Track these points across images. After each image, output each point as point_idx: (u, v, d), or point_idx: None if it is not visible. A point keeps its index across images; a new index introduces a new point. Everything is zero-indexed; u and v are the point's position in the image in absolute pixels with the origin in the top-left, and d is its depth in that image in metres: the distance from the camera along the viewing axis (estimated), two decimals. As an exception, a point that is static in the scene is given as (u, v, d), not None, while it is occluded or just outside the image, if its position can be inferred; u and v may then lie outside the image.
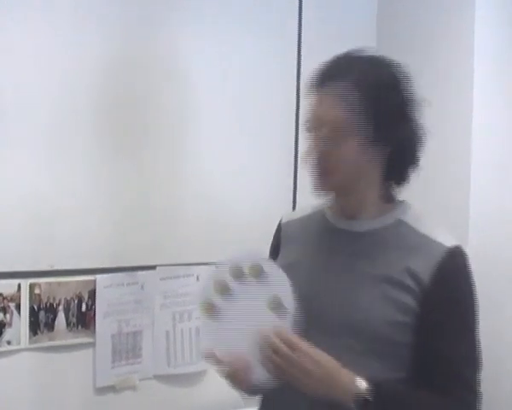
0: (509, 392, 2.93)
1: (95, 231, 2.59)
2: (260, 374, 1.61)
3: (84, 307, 2.58)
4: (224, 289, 1.68)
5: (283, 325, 1.61)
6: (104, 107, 2.60)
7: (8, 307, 2.44)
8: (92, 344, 2.61)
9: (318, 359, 1.55)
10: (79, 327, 2.58)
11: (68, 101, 2.51)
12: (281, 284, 1.65)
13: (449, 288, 1.62)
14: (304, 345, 1.56)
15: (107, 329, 2.63)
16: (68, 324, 2.56)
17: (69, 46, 2.50)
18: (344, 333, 1.61)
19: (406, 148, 1.67)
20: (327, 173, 1.64)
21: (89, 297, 2.59)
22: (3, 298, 2.43)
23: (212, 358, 1.65)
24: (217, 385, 1.92)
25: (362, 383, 1.54)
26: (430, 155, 2.93)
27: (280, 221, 1.92)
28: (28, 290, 2.47)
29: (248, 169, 2.82)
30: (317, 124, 1.64)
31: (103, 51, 2.57)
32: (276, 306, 1.64)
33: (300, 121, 2.69)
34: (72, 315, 2.56)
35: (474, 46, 2.84)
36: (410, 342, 1.62)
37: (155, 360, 2.72)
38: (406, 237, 1.67)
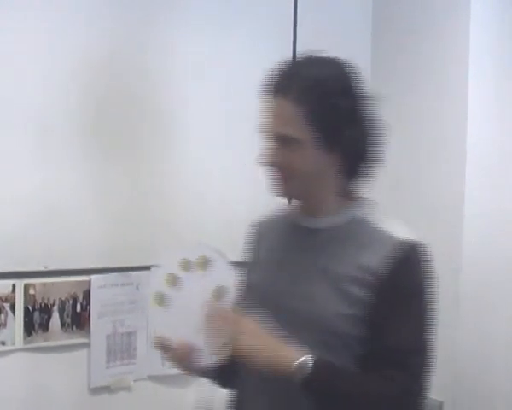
0: (504, 390, 2.94)
1: (89, 232, 2.59)
2: (207, 357, 1.69)
3: (78, 308, 2.58)
4: (173, 281, 1.75)
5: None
6: (96, 107, 2.60)
7: (3, 307, 2.44)
8: (87, 345, 2.62)
9: (261, 329, 1.61)
10: (74, 328, 2.58)
11: (59, 101, 2.52)
12: (226, 275, 1.72)
13: (402, 281, 1.64)
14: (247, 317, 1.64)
15: (101, 329, 2.63)
16: (63, 324, 2.56)
17: (58, 46, 2.50)
18: (299, 326, 1.65)
19: (358, 147, 1.70)
20: (281, 181, 1.69)
21: (83, 298, 2.59)
22: (-2, 298, 2.43)
23: (160, 344, 1.72)
24: (211, 386, 1.93)
25: (304, 355, 1.58)
26: (425, 155, 3.00)
27: (256, 222, 1.97)
28: (23, 291, 2.47)
29: (243, 168, 2.81)
30: (271, 135, 1.68)
31: (93, 52, 2.57)
32: (221, 295, 1.71)
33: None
34: (67, 316, 2.56)
35: (470, 46, 2.85)
36: (361, 334, 1.65)
37: (150, 361, 2.72)
38: (363, 233, 1.71)
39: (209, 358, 1.69)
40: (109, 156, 2.64)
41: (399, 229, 1.70)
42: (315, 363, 1.57)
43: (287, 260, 1.77)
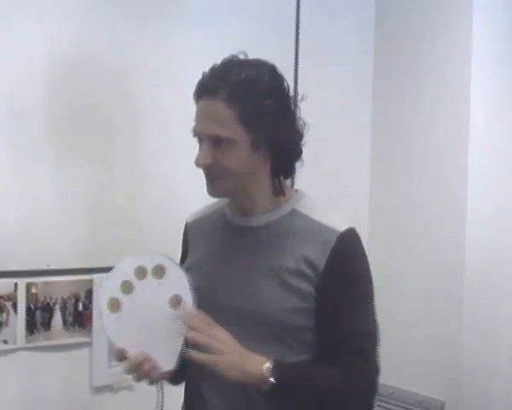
0: (506, 391, 2.94)
1: (91, 231, 2.59)
2: (166, 363, 1.71)
3: (80, 307, 2.59)
4: (128, 288, 1.76)
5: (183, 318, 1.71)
6: (93, 107, 2.60)
7: (5, 306, 2.44)
8: (89, 344, 2.61)
9: (232, 340, 1.66)
10: (76, 327, 2.58)
11: (37, 110, 2.51)
12: (181, 284, 1.74)
13: (342, 270, 1.71)
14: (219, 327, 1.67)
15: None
16: (65, 323, 2.56)
17: (38, 44, 2.48)
18: (247, 323, 1.71)
19: (288, 145, 1.75)
20: (215, 179, 1.74)
21: (85, 297, 2.59)
22: (0, 297, 2.43)
23: (119, 355, 1.74)
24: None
25: (267, 365, 1.64)
26: (427, 155, 3.00)
27: (186, 222, 2.01)
28: (25, 290, 2.47)
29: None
30: (201, 136, 1.73)
31: (77, 50, 2.56)
32: (176, 303, 1.73)
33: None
34: (69, 315, 2.56)
35: (472, 45, 2.85)
36: (312, 325, 1.73)
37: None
38: (301, 226, 1.76)
39: (167, 365, 1.72)
40: (110, 154, 2.65)
41: (333, 218, 1.77)
42: (277, 371, 1.64)
43: (227, 261, 1.81)
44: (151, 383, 1.76)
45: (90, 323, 2.61)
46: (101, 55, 2.63)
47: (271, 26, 2.94)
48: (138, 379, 1.73)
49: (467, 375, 2.88)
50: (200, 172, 1.76)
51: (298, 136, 1.77)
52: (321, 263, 1.70)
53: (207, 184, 1.76)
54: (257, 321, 1.71)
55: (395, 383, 3.03)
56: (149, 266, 1.76)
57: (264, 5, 2.97)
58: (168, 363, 1.72)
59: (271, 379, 1.63)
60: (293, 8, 3.01)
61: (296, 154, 1.78)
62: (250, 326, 1.70)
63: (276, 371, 1.63)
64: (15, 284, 2.46)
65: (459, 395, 2.88)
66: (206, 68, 1.75)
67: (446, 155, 2.95)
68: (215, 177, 1.73)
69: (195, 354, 1.64)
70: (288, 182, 1.85)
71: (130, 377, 1.74)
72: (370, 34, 3.29)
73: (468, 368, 2.88)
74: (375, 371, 1.75)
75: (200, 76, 1.75)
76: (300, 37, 2.97)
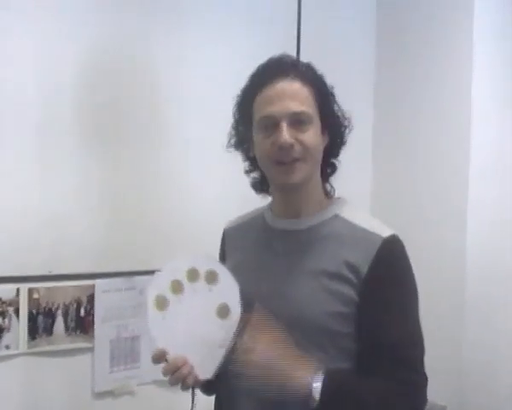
0: (508, 396, 2.93)
1: (93, 236, 2.59)
2: (204, 371, 1.69)
3: (82, 312, 2.59)
4: (178, 288, 1.74)
5: (228, 330, 1.69)
6: (94, 115, 2.61)
7: (7, 311, 2.44)
8: (91, 349, 2.62)
9: (269, 360, 1.62)
10: (78, 332, 2.59)
11: (57, 111, 2.52)
12: (232, 294, 1.71)
13: (385, 275, 1.67)
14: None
15: (105, 334, 2.64)
16: (67, 328, 2.56)
17: (56, 49, 2.50)
18: (287, 326, 1.66)
19: (338, 135, 1.81)
20: (296, 162, 1.70)
21: (87, 302, 2.60)
22: (2, 303, 2.43)
23: (158, 358, 1.72)
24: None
25: (312, 381, 1.61)
26: (428, 159, 3.00)
27: (224, 229, 2.00)
28: (27, 295, 2.47)
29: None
30: (279, 118, 1.69)
31: (88, 54, 2.57)
32: (224, 313, 1.71)
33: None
34: (71, 320, 2.57)
35: (473, 46, 2.85)
36: (352, 332, 1.69)
37: (154, 365, 2.70)
38: (343, 231, 1.74)
39: (205, 373, 1.69)
40: (112, 162, 2.65)
41: (376, 224, 1.75)
42: (325, 385, 1.60)
43: (268, 265, 1.78)
44: (184, 388, 1.72)
45: (92, 328, 2.61)
46: (127, 61, 2.66)
47: (273, 33, 2.95)
48: (173, 383, 1.70)
49: (468, 380, 2.88)
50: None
51: (345, 127, 1.83)
52: (363, 268, 1.67)
53: (287, 171, 1.71)
54: (295, 326, 1.66)
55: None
56: (202, 270, 1.73)
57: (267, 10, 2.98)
58: (206, 372, 1.69)
59: (316, 398, 1.59)
60: (295, 14, 3.01)
61: (343, 143, 1.83)
62: (289, 331, 1.65)
63: (322, 390, 1.59)
64: (17, 290, 2.46)
65: (461, 401, 2.88)
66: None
67: (447, 157, 2.95)
68: (296, 159, 1.70)
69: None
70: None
71: (167, 378, 1.71)
72: (372, 36, 3.30)
73: (470, 373, 2.87)
74: (422, 381, 1.69)
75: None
76: (301, 38, 2.97)
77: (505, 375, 2.94)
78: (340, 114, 1.81)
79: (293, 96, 1.69)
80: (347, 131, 1.82)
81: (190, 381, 1.69)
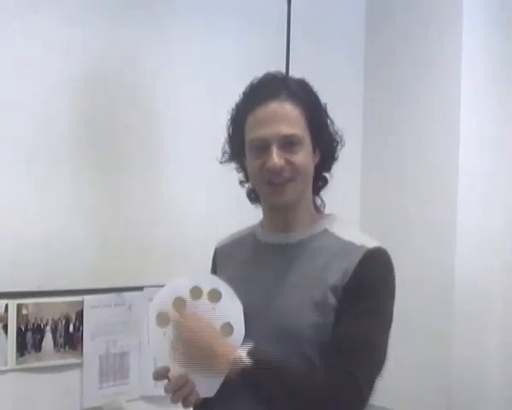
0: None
1: (82, 252, 2.59)
2: (206, 389, 1.69)
3: (71, 328, 2.58)
4: (179, 305, 1.73)
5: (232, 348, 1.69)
6: (83, 132, 2.61)
7: (-4, 327, 2.44)
8: (79, 365, 2.61)
9: (199, 330, 1.68)
10: (67, 348, 2.58)
11: (47, 128, 2.53)
12: (235, 313, 1.73)
13: (362, 280, 1.70)
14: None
15: (94, 350, 2.63)
16: (56, 344, 2.55)
17: (50, 60, 2.51)
18: (276, 339, 1.69)
19: (330, 152, 1.82)
20: (287, 183, 1.73)
21: (76, 318, 2.59)
22: (-9, 318, 2.43)
23: (159, 376, 1.72)
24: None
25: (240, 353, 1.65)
26: (418, 167, 3.01)
27: (215, 247, 2.02)
28: (15, 311, 2.47)
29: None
30: (270, 140, 1.71)
31: (83, 72, 2.59)
32: (227, 331, 1.71)
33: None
34: (60, 336, 2.56)
35: (462, 47, 2.87)
36: None
37: (142, 381, 2.72)
38: (332, 245, 1.77)
39: (207, 392, 1.69)
40: (102, 180, 2.65)
41: (363, 238, 1.77)
42: (252, 356, 1.63)
43: (256, 277, 1.81)
44: (186, 406, 1.73)
45: (81, 344, 2.60)
46: (123, 71, 2.68)
47: (263, 33, 2.98)
48: (175, 401, 1.70)
49: (456, 397, 2.88)
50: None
51: (336, 144, 1.84)
52: (346, 277, 1.69)
53: (277, 191, 1.74)
54: (283, 337, 1.69)
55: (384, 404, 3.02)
56: (206, 289, 1.74)
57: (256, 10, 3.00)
58: (208, 391, 1.69)
59: (237, 371, 1.63)
60: (284, 22, 3.03)
61: (333, 158, 1.84)
62: (275, 343, 1.68)
63: (248, 354, 1.63)
64: (6, 305, 2.45)
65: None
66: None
67: (436, 172, 2.97)
68: (287, 180, 1.72)
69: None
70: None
71: (169, 396, 1.70)
72: (360, 54, 3.32)
73: (458, 391, 2.88)
74: (364, 382, 1.65)
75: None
76: (290, 55, 2.98)
77: (493, 393, 2.95)
78: (332, 130, 1.82)
79: (283, 118, 1.71)
80: (339, 146, 1.84)
81: (193, 399, 1.70)
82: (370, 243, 1.75)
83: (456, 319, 2.86)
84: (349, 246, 1.74)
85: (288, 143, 1.71)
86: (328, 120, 1.82)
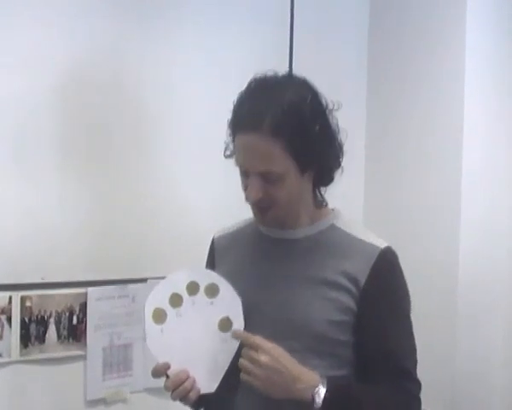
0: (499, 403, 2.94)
1: (86, 244, 2.60)
2: (206, 385, 1.67)
3: (75, 320, 2.59)
4: (176, 301, 1.72)
5: (230, 343, 1.68)
6: (84, 121, 2.61)
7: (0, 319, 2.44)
8: (83, 357, 2.62)
9: (275, 361, 1.60)
10: (70, 340, 2.59)
11: (49, 113, 2.53)
12: (234, 307, 1.71)
13: (383, 285, 1.70)
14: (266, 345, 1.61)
15: (98, 342, 2.64)
16: (59, 336, 2.56)
17: (38, 58, 2.49)
18: (285, 335, 1.67)
19: (328, 159, 1.73)
20: (267, 211, 1.70)
21: (80, 310, 2.60)
22: (-6, 310, 2.44)
23: (158, 373, 1.70)
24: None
25: (319, 384, 1.61)
26: (422, 163, 3.00)
27: (213, 237, 1.98)
28: (19, 303, 2.48)
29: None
30: (252, 172, 1.66)
31: (69, 64, 2.57)
32: (226, 326, 1.70)
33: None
34: (64, 328, 2.57)
35: (466, 46, 2.84)
36: (349, 340, 1.71)
37: (146, 373, 2.69)
38: (340, 241, 1.75)
39: (207, 388, 1.68)
40: (105, 169, 2.65)
41: (371, 235, 1.76)
42: (329, 390, 1.60)
43: (265, 273, 1.78)
44: (187, 403, 1.72)
45: (85, 336, 2.61)
46: (110, 68, 2.65)
47: (266, 34, 2.95)
48: (175, 398, 1.68)
49: (461, 390, 2.88)
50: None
51: (340, 149, 1.76)
52: (362, 278, 1.68)
53: (258, 216, 1.74)
54: (293, 333, 1.68)
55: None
56: (203, 284, 1.72)
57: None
58: (209, 386, 1.68)
59: (319, 402, 1.59)
60: (287, 21, 3.02)
61: (335, 164, 1.76)
62: (283, 337, 1.65)
63: (325, 395, 1.60)
64: (10, 297, 2.46)
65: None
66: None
67: (440, 168, 2.95)
68: (266, 208, 1.70)
69: (243, 377, 1.61)
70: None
71: (170, 394, 1.69)
72: (363, 54, 3.29)
73: (462, 384, 2.87)
74: (417, 389, 1.73)
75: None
76: (294, 47, 2.98)
77: (497, 386, 2.94)
78: (327, 154, 1.71)
79: (261, 154, 1.63)
80: (341, 155, 1.77)
81: (194, 396, 1.68)
82: (379, 241, 1.74)
83: (461, 314, 2.85)
84: (358, 243, 1.73)
85: (268, 176, 1.65)
86: (323, 143, 1.69)
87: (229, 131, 1.74)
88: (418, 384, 1.74)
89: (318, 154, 1.68)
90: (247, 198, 1.70)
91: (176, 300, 1.72)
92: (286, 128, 1.62)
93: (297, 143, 1.63)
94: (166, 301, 1.72)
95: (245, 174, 1.70)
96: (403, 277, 1.76)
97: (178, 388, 1.67)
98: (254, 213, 1.75)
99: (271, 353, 1.60)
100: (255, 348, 1.60)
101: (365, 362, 1.71)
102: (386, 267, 1.71)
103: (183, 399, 1.69)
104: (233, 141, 1.72)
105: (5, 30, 2.44)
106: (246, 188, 1.70)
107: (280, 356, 1.61)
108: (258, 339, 1.61)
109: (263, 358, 1.59)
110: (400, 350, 1.72)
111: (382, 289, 1.69)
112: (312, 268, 1.73)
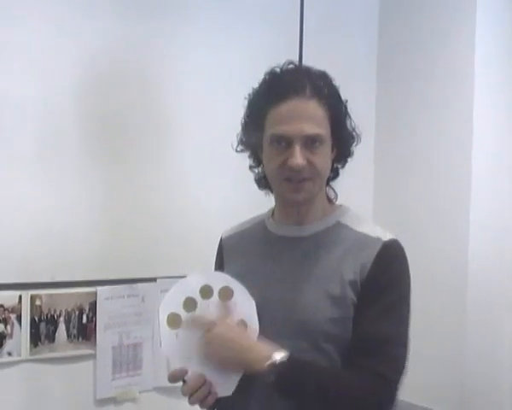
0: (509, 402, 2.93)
1: (96, 244, 2.60)
2: (223, 388, 1.68)
3: (84, 319, 2.59)
4: (190, 305, 1.72)
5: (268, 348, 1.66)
6: (94, 123, 2.61)
7: (9, 318, 2.45)
8: (93, 356, 2.62)
9: (226, 335, 1.66)
10: (80, 339, 2.59)
11: (57, 122, 2.53)
12: (248, 310, 1.71)
13: (382, 277, 1.69)
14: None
15: (107, 341, 2.64)
16: (69, 335, 2.56)
17: (55, 57, 2.50)
18: (292, 334, 1.68)
19: (346, 149, 1.80)
20: (305, 182, 1.71)
21: (89, 309, 2.60)
22: (4, 309, 2.44)
23: (175, 378, 1.71)
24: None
25: (273, 354, 1.61)
26: (431, 161, 3.00)
27: (221, 237, 1.99)
28: (29, 302, 2.48)
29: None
30: (296, 139, 1.67)
31: (90, 62, 2.58)
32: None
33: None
34: (73, 327, 2.57)
35: (475, 44, 2.84)
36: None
37: (155, 372, 2.73)
38: (346, 237, 1.76)
39: (224, 391, 1.68)
40: (115, 170, 2.66)
41: (377, 230, 1.76)
42: (287, 361, 1.60)
43: (272, 271, 1.78)
44: (205, 407, 1.72)
45: (94, 335, 2.61)
46: (129, 66, 2.66)
47: (275, 33, 2.95)
48: (193, 402, 1.69)
49: (470, 389, 2.87)
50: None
51: (353, 138, 1.81)
52: (365, 271, 1.69)
53: (294, 189, 1.71)
54: (301, 332, 1.68)
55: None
56: (216, 287, 1.72)
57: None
58: (226, 389, 1.67)
59: (272, 376, 1.60)
60: (297, 19, 3.02)
61: (350, 153, 1.82)
62: (292, 337, 1.67)
63: (279, 367, 1.60)
64: (20, 297, 2.46)
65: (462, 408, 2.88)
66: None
67: (449, 165, 2.95)
68: (305, 179, 1.70)
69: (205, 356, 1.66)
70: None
71: (187, 399, 1.70)
72: (373, 54, 3.30)
73: (472, 383, 2.87)
74: (397, 380, 1.68)
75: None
76: (304, 43, 2.98)
77: (506, 385, 2.93)
78: (350, 127, 1.79)
79: (308, 117, 1.67)
80: (355, 143, 1.82)
81: (211, 400, 1.69)
82: (385, 235, 1.74)
83: (470, 313, 2.85)
84: (364, 238, 1.73)
85: (311, 143, 1.67)
86: (348, 117, 1.79)
87: (254, 111, 1.76)
88: (399, 376, 1.67)
89: (345, 130, 1.76)
90: (293, 165, 1.67)
91: (190, 304, 1.71)
92: (326, 95, 1.70)
93: (334, 110, 1.71)
94: (180, 305, 1.71)
95: (283, 145, 1.69)
96: (404, 269, 1.74)
97: (196, 393, 1.67)
98: (288, 189, 1.72)
99: (217, 329, 1.65)
100: (208, 328, 1.66)
101: (352, 347, 1.68)
102: (386, 259, 1.70)
103: (201, 403, 1.70)
104: (261, 119, 1.72)
105: (22, 31, 2.44)
106: (282, 162, 1.69)
107: (229, 330, 1.66)
108: (206, 319, 1.67)
109: (207, 334, 1.65)
110: (387, 337, 1.66)
111: (380, 280, 1.69)
112: (318, 266, 1.73)
